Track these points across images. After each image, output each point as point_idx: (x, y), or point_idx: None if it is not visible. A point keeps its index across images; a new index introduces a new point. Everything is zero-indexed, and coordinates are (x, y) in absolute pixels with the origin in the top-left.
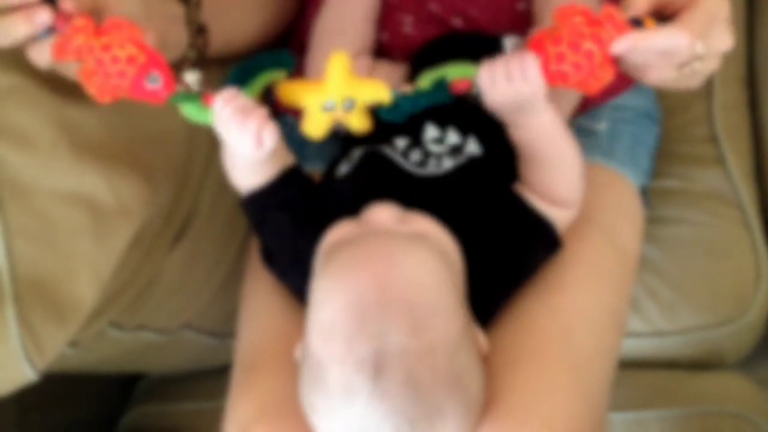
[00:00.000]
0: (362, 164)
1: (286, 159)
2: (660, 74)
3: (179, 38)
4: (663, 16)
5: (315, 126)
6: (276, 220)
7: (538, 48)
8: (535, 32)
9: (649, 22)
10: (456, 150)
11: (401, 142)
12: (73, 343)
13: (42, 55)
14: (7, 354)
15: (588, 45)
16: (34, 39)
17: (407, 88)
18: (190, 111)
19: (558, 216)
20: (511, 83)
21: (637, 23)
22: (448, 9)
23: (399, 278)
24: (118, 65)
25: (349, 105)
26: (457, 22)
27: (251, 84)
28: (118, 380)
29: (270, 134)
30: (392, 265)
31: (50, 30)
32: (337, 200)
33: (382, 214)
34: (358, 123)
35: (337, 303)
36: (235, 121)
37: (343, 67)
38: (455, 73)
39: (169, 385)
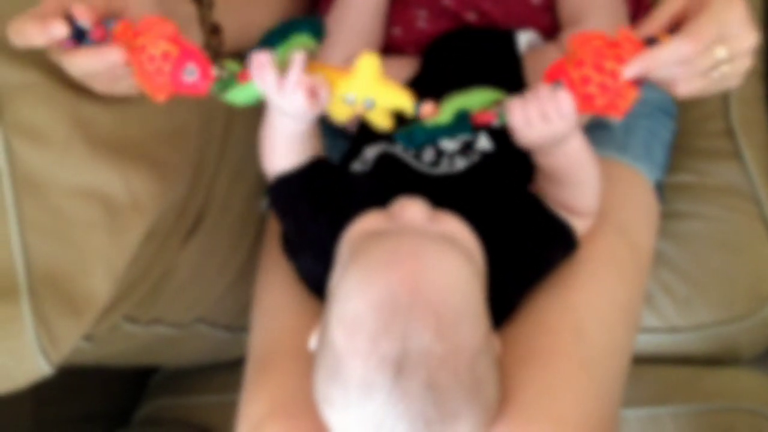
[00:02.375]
0: (377, 167)
1: (318, 147)
2: (689, 86)
3: (194, 39)
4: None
5: (337, 112)
6: (296, 205)
7: (561, 74)
8: (552, 62)
9: (664, 38)
10: (467, 146)
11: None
12: (88, 337)
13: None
14: (22, 348)
15: (611, 64)
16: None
17: (430, 106)
18: (236, 96)
19: (575, 223)
20: (548, 123)
21: (652, 42)
22: (462, 3)
23: (431, 281)
24: (154, 63)
25: (369, 105)
26: (471, 16)
27: (282, 46)
28: (133, 373)
29: (324, 88)
30: (425, 267)
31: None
32: (355, 195)
33: (414, 210)
34: (380, 121)
35: (366, 298)
36: (288, 80)
37: (371, 68)
38: (478, 100)
39: (184, 378)
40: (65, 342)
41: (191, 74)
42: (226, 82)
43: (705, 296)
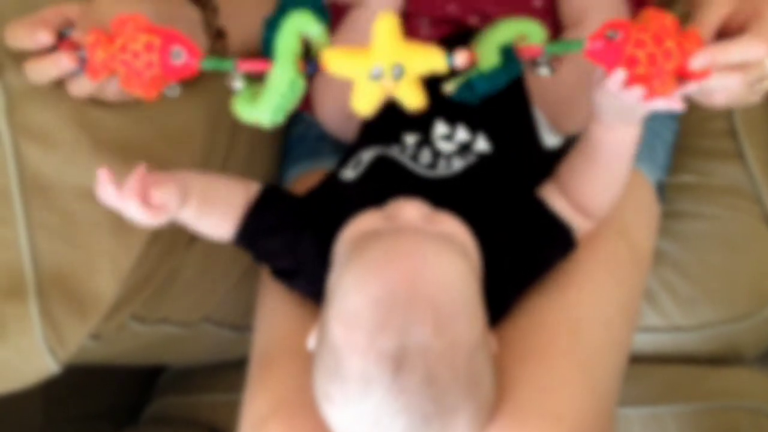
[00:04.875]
0: (372, 169)
1: (244, 193)
2: (729, 95)
3: (199, 44)
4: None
5: (365, 98)
6: (269, 247)
7: (622, 27)
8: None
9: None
10: (465, 147)
11: (410, 140)
12: (95, 336)
13: (80, 89)
14: (30, 346)
15: (670, 44)
16: (71, 76)
17: (463, 55)
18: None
19: (579, 223)
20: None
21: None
22: (465, 8)
23: (429, 278)
24: (141, 58)
25: (399, 72)
26: (474, 20)
27: (286, 31)
28: (141, 372)
29: (166, 193)
30: (423, 264)
31: (82, 65)
32: (347, 204)
33: (411, 210)
34: (411, 96)
35: (364, 294)
36: (118, 200)
37: (391, 29)
38: (511, 32)
39: (191, 377)
40: (72, 341)
41: (179, 56)
42: (221, 62)
43: (708, 295)
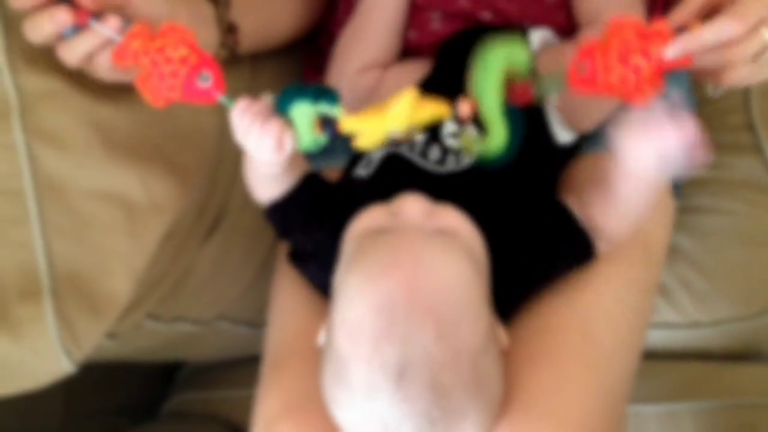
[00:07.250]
0: (382, 167)
1: (302, 167)
2: (735, 72)
3: (210, 38)
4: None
5: (371, 144)
6: (296, 222)
7: (588, 56)
8: (586, 40)
9: (696, 26)
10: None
11: (419, 137)
12: (112, 335)
13: (70, 54)
14: (45, 347)
15: (636, 59)
16: (61, 38)
17: (465, 105)
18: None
19: (597, 244)
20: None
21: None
22: (479, 3)
23: (429, 283)
24: (171, 65)
25: (411, 131)
26: (486, 15)
27: (297, 114)
28: (160, 368)
29: (290, 138)
30: (423, 269)
31: (75, 29)
32: (359, 201)
33: (413, 207)
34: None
35: (366, 303)
36: (256, 127)
37: (411, 105)
38: (496, 67)
39: (209, 372)
40: (87, 341)
41: (206, 80)
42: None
43: (725, 291)
